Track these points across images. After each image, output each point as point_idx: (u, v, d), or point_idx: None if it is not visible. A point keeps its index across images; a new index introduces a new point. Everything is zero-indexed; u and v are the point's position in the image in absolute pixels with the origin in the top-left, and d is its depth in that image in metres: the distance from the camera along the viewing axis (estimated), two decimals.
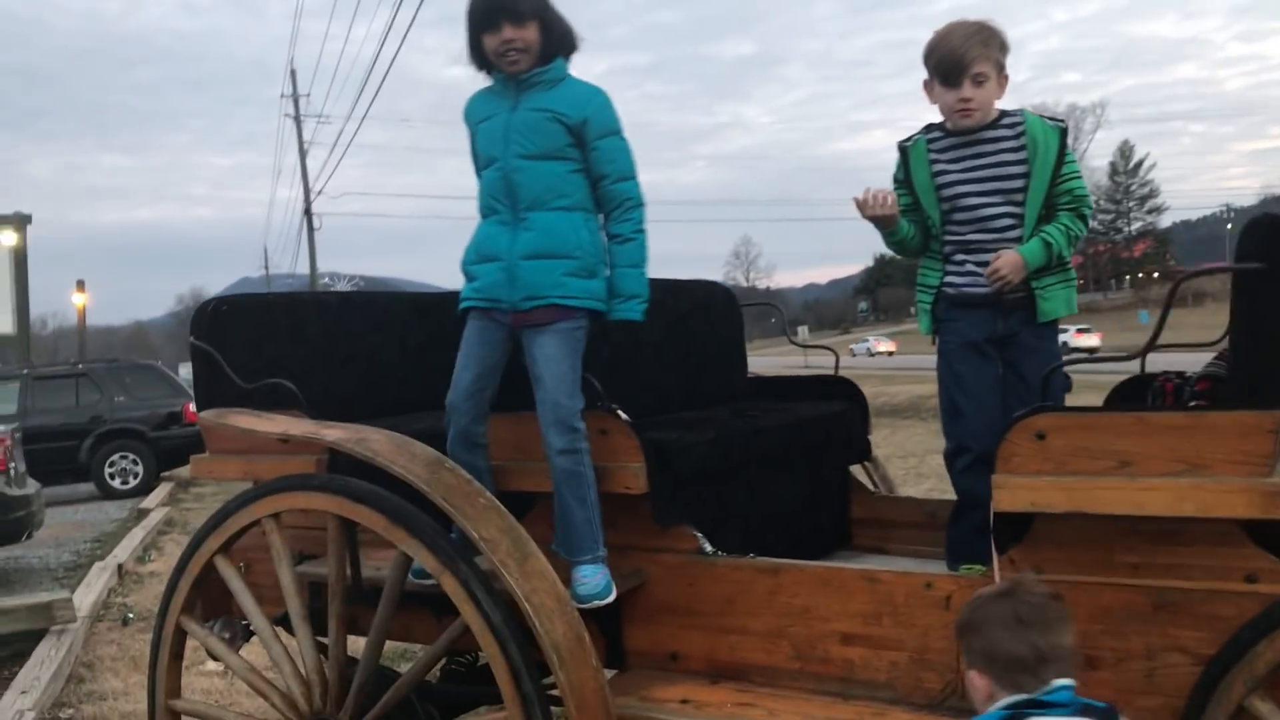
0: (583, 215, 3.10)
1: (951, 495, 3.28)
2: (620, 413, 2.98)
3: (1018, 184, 3.10)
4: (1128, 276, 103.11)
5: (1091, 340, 49.94)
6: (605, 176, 3.11)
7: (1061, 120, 3.14)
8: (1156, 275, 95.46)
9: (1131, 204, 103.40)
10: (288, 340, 3.87)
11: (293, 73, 41.99)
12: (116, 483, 15.54)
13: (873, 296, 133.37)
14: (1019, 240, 3.10)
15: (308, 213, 40.74)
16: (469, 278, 3.19)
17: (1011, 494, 2.44)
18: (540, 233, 3.05)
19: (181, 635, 3.45)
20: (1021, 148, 3.10)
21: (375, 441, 2.96)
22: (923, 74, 3.18)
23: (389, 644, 3.21)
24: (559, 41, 3.17)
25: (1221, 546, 2.32)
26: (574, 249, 3.05)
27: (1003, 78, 3.16)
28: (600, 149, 3.10)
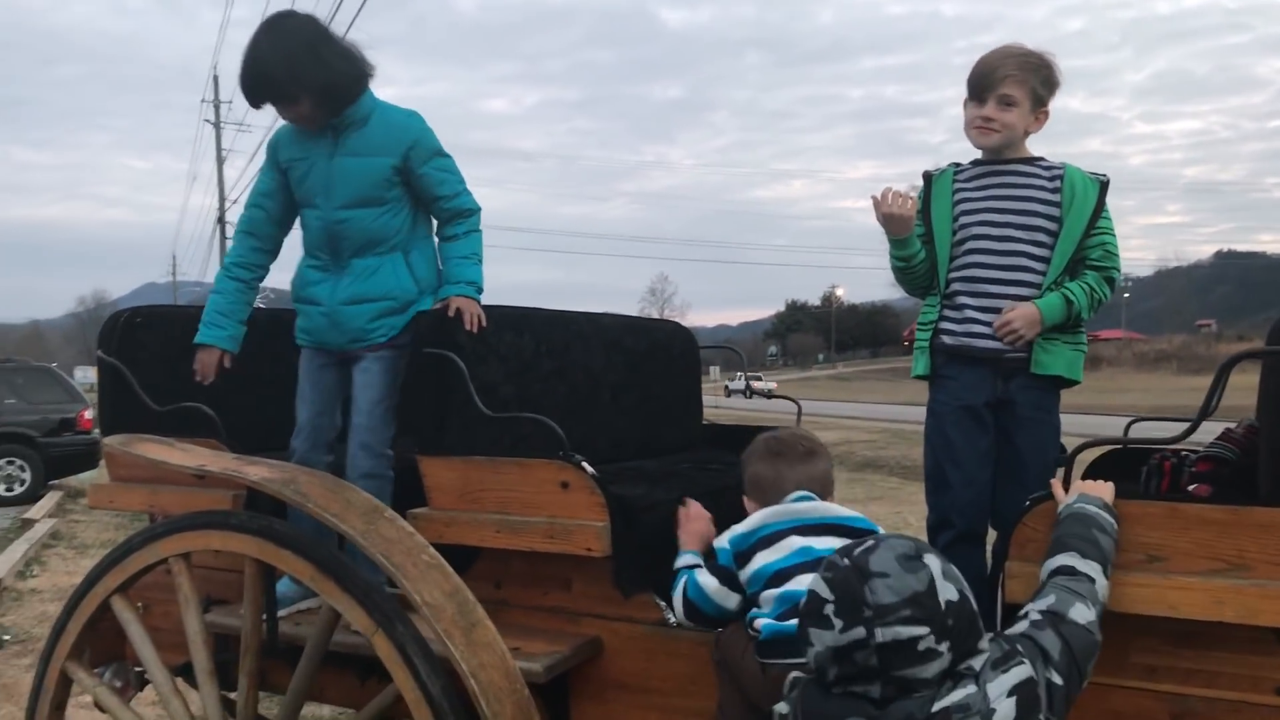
0: (401, 256, 3.21)
1: None
2: (586, 465, 2.69)
3: (1043, 224, 2.86)
4: None
5: None
6: (438, 199, 3.23)
7: (1104, 175, 2.91)
8: None
9: None
10: None
11: (215, 78, 40.89)
12: (0, 489, 14.68)
13: (782, 341, 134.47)
14: (1031, 287, 2.84)
15: (221, 220, 39.64)
16: (298, 314, 3.31)
17: (1026, 585, 2.19)
18: (357, 278, 3.18)
19: (66, 683, 3.07)
20: (1056, 191, 2.87)
21: (306, 484, 2.63)
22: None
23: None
24: (344, 94, 3.10)
25: (1252, 654, 2.11)
26: (393, 290, 3.17)
27: (1040, 111, 2.94)
28: (427, 174, 3.19)
